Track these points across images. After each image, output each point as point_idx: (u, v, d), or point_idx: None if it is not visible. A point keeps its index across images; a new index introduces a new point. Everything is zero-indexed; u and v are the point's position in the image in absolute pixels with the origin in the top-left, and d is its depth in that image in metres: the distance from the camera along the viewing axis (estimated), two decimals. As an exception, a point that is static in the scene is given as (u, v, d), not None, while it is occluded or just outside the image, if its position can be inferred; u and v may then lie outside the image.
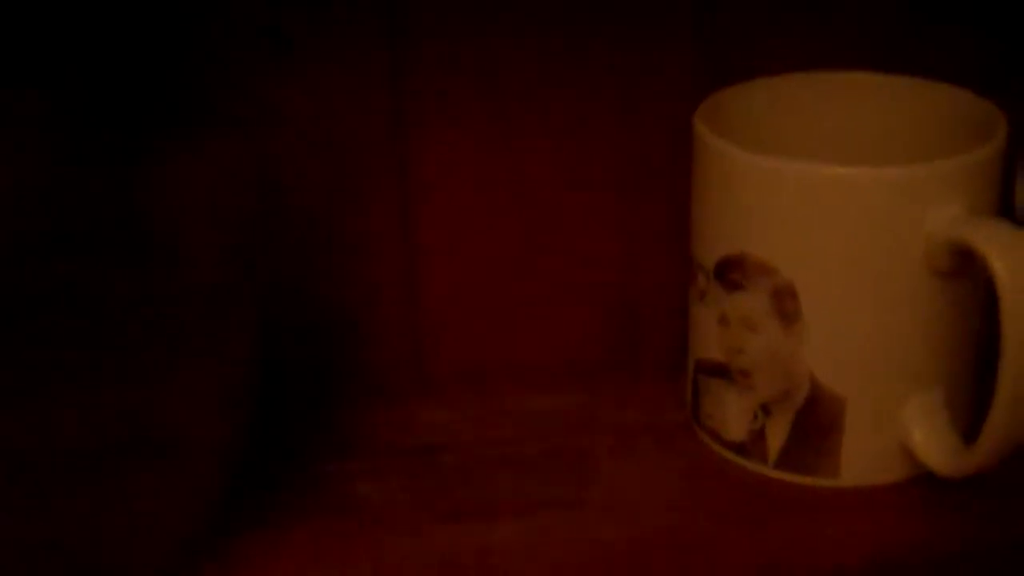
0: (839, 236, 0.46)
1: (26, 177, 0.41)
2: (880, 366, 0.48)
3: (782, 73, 0.53)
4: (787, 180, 0.46)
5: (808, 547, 0.48)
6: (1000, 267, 0.43)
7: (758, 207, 0.47)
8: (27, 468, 0.41)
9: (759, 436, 0.50)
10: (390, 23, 0.52)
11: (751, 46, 0.54)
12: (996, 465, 0.46)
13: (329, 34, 0.51)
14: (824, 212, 0.46)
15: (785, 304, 0.48)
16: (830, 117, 0.53)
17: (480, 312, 0.57)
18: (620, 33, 0.53)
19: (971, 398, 0.50)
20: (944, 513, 0.49)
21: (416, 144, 0.53)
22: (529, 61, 0.53)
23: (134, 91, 0.48)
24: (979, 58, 0.55)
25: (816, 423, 0.49)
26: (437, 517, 0.50)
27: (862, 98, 0.53)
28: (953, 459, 0.48)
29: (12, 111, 0.42)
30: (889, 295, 0.47)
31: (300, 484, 0.51)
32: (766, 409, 0.50)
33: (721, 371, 0.50)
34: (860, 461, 0.49)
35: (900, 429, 0.49)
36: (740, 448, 0.51)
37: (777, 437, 0.50)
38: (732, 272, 0.48)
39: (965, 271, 0.47)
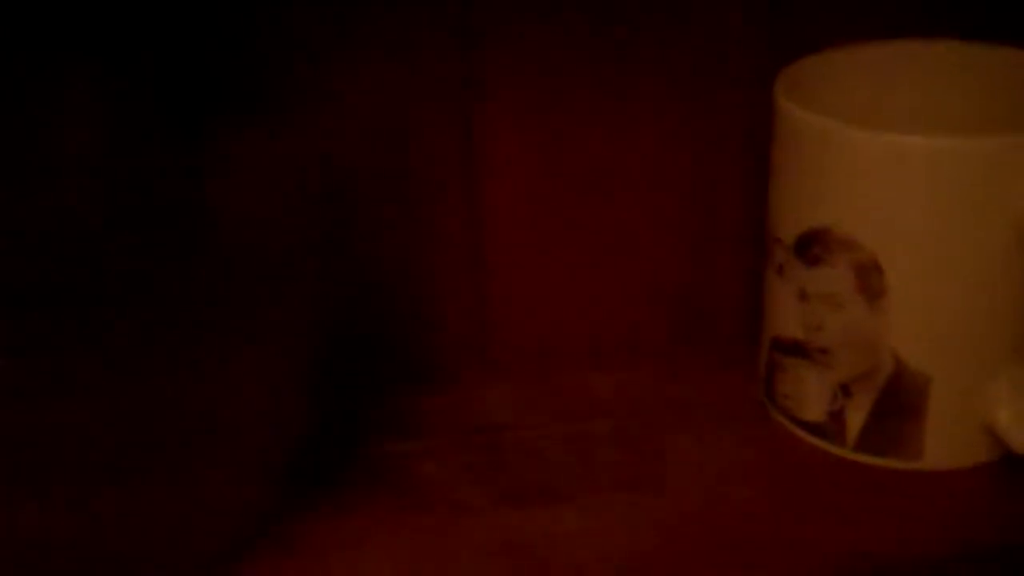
0: (927, 209, 0.45)
1: (91, 153, 0.40)
2: (967, 343, 0.47)
3: (857, 40, 0.51)
4: (874, 151, 0.45)
5: (889, 533, 0.46)
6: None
7: (842, 180, 0.46)
8: (93, 453, 0.41)
9: (838, 417, 0.49)
10: (459, 9, 0.50)
11: (825, 16, 0.53)
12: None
13: (397, 20, 0.50)
14: (912, 185, 0.45)
15: (869, 280, 0.46)
16: (913, 87, 0.52)
17: (545, 292, 0.56)
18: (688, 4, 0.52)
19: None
20: (1029, 497, 0.48)
21: (483, 128, 0.52)
22: (595, 43, 0.52)
23: (202, 71, 0.47)
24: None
25: (899, 403, 0.48)
26: (501, 498, 0.49)
27: (946, 68, 0.51)
28: (1039, 442, 0.47)
29: (75, 82, 0.41)
30: (978, 270, 0.45)
31: (364, 465, 0.50)
32: (846, 389, 0.48)
33: (799, 349, 0.49)
34: (944, 443, 0.48)
35: (986, 409, 0.47)
36: (818, 429, 0.50)
37: (857, 418, 0.48)
38: (813, 247, 0.47)
39: (1058, 245, 0.45)
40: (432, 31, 0.50)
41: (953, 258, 0.45)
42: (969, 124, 0.51)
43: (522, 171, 0.53)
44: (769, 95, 0.49)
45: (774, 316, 0.50)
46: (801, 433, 0.50)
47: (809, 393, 0.49)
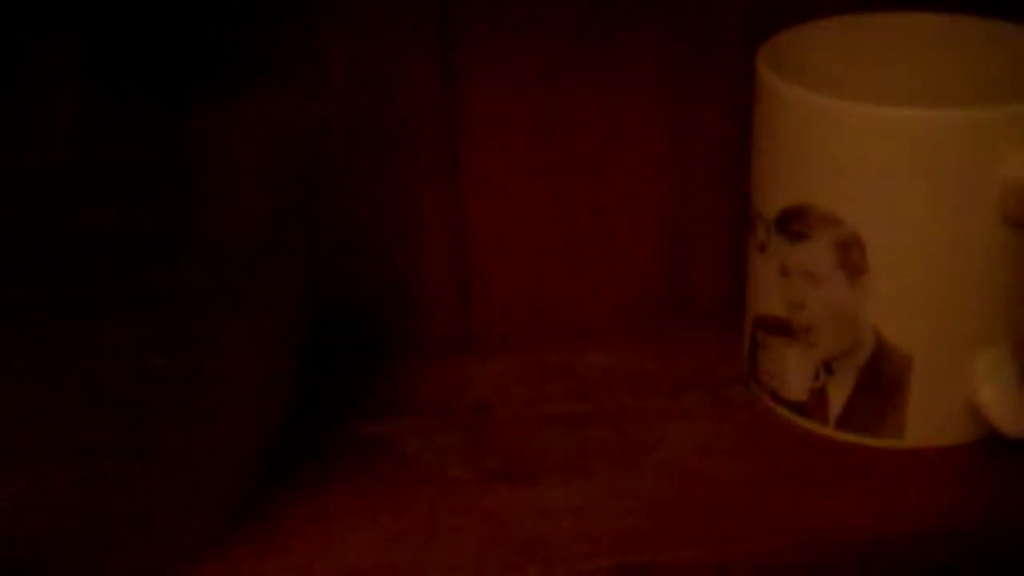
0: (908, 183, 0.45)
1: (69, 126, 0.40)
2: (949, 320, 0.46)
3: (842, 13, 0.51)
4: (854, 123, 0.45)
5: (871, 511, 0.46)
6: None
7: (824, 153, 0.45)
8: (68, 426, 0.41)
9: (820, 395, 0.48)
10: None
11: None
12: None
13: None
14: (893, 158, 0.44)
15: (851, 256, 0.46)
16: (896, 60, 0.51)
17: (529, 269, 0.55)
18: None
19: (1042, 356, 0.49)
20: (1011, 476, 0.47)
21: (465, 99, 0.52)
22: (578, 14, 0.52)
23: (183, 42, 0.47)
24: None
25: (880, 381, 0.47)
26: (487, 476, 0.49)
27: (928, 40, 0.51)
28: (1021, 420, 0.46)
29: (55, 59, 0.41)
30: (960, 246, 0.45)
31: (349, 442, 0.50)
32: (828, 367, 0.48)
33: (781, 327, 0.49)
34: (925, 421, 0.48)
35: (967, 387, 0.47)
36: (800, 407, 0.49)
37: (839, 396, 0.48)
38: (795, 223, 0.47)
39: (1042, 220, 0.45)
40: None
41: (935, 234, 0.45)
42: (953, 97, 0.50)
43: (506, 148, 0.53)
44: (752, 68, 0.48)
45: (757, 293, 0.50)
46: (784, 411, 0.50)
47: (791, 371, 0.49)
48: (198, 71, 0.44)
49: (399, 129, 0.52)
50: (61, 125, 0.40)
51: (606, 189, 0.54)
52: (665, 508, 0.47)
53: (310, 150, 0.51)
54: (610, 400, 0.52)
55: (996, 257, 0.45)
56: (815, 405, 0.49)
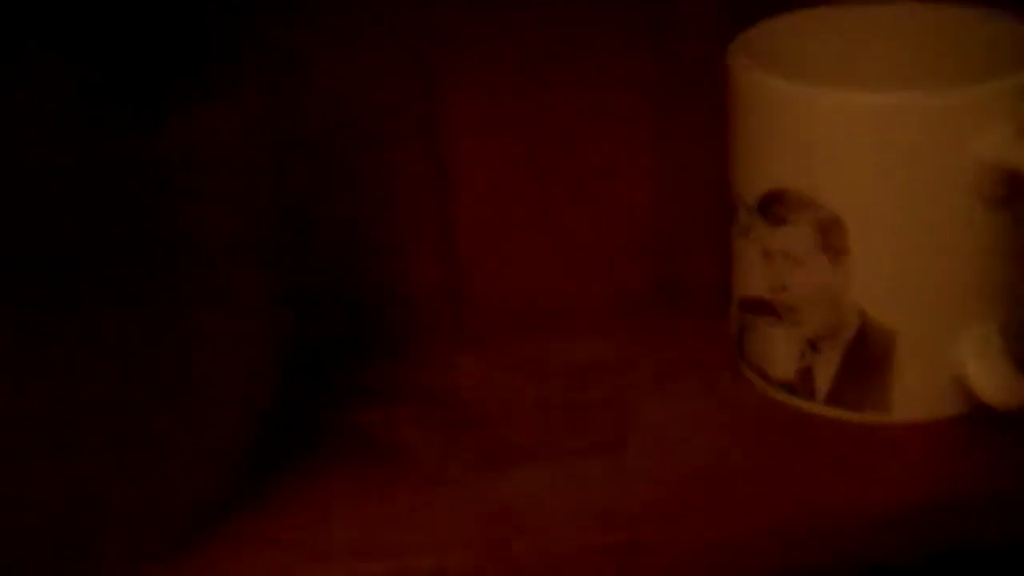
0: (885, 165, 0.45)
1: (46, 124, 0.41)
2: (931, 297, 0.47)
3: (816, 6, 0.51)
4: (829, 108, 0.45)
5: (860, 485, 0.47)
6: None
7: (800, 139, 0.46)
8: (56, 426, 0.41)
9: (807, 374, 0.49)
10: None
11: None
12: (1052, 397, 0.45)
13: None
14: (868, 141, 0.45)
15: (832, 237, 0.46)
16: (868, 49, 0.52)
17: (516, 258, 0.56)
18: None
19: (1025, 328, 0.49)
20: (999, 448, 0.48)
21: (447, 90, 0.53)
22: (558, 6, 0.52)
23: (164, 42, 0.47)
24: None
25: (866, 358, 0.48)
26: (477, 464, 0.49)
27: (900, 28, 0.51)
28: (1008, 391, 0.47)
29: (32, 58, 0.41)
30: (938, 224, 0.46)
31: (339, 432, 0.51)
32: (814, 346, 0.49)
33: (766, 308, 0.49)
34: (911, 396, 0.48)
35: (953, 362, 0.48)
36: (788, 386, 0.50)
37: (826, 374, 0.49)
38: (775, 207, 0.47)
39: (1016, 197, 0.46)
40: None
41: (913, 213, 0.46)
42: (924, 82, 0.51)
43: (490, 142, 0.54)
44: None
45: (741, 276, 0.51)
46: (772, 390, 0.51)
47: (778, 351, 0.50)
48: (179, 71, 0.45)
49: (382, 123, 0.53)
50: (41, 126, 0.41)
51: (591, 179, 0.55)
52: (654, 487, 0.47)
53: (294, 150, 0.51)
54: (599, 385, 0.52)
55: (974, 234, 0.46)
56: (802, 383, 0.50)
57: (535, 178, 0.55)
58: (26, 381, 0.40)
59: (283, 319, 0.47)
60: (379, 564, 0.45)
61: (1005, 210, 0.46)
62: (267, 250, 0.45)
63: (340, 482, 0.48)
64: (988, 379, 0.47)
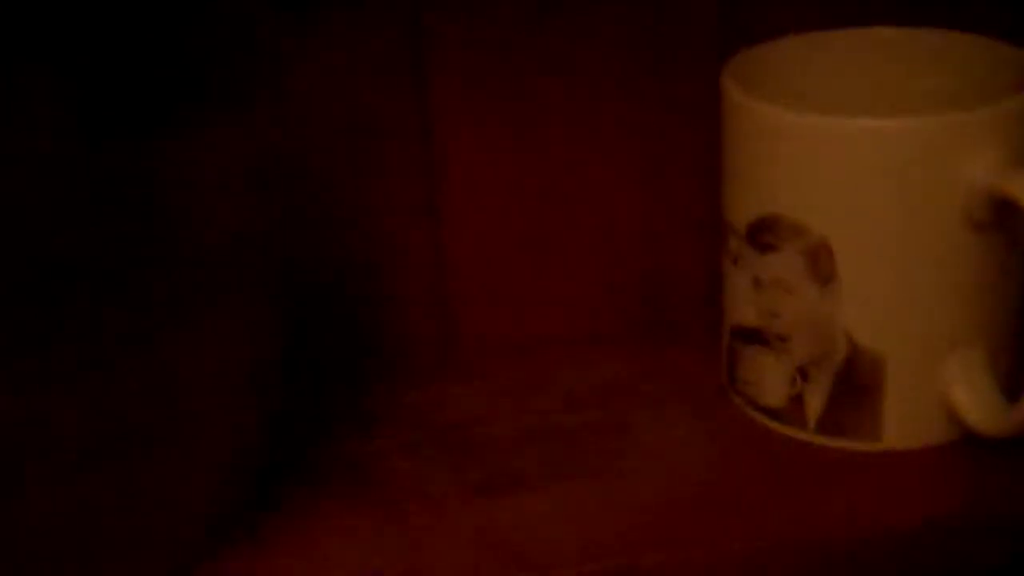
0: (874, 191, 0.45)
1: (46, 149, 0.41)
2: (919, 323, 0.47)
3: (808, 31, 0.52)
4: (818, 135, 0.45)
5: (850, 513, 0.47)
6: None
7: (789, 165, 0.46)
8: (46, 448, 0.41)
9: (797, 401, 0.49)
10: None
11: (775, 3, 0.53)
12: (1041, 424, 0.45)
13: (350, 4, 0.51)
14: (858, 167, 0.45)
15: (820, 264, 0.47)
16: (860, 74, 0.52)
17: (507, 285, 0.56)
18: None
19: (1013, 355, 0.49)
20: (987, 475, 0.48)
21: (439, 116, 0.53)
22: (549, 26, 0.52)
23: (153, 63, 0.47)
24: (1008, 8, 0.54)
25: (855, 385, 0.48)
26: (470, 491, 0.49)
27: (892, 54, 0.52)
28: (996, 418, 0.47)
29: (27, 84, 0.41)
30: (927, 250, 0.46)
31: (332, 460, 0.51)
32: (804, 373, 0.49)
33: (757, 336, 0.49)
34: (901, 423, 0.49)
35: (941, 388, 0.48)
36: (778, 414, 0.50)
37: (816, 401, 0.49)
38: (764, 234, 0.48)
39: (1005, 222, 0.46)
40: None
41: (901, 239, 0.46)
42: (913, 107, 0.51)
43: (480, 161, 0.54)
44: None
45: (732, 304, 0.51)
46: (762, 418, 0.51)
47: (768, 379, 0.50)
48: (175, 93, 0.45)
49: (375, 148, 0.53)
50: (34, 147, 0.41)
51: (581, 203, 0.55)
52: (647, 514, 0.47)
53: (283, 171, 0.51)
54: (590, 412, 0.53)
55: (963, 259, 0.46)
56: (793, 411, 0.50)
57: (526, 206, 0.55)
58: (9, 395, 0.40)
59: (279, 342, 0.47)
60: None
61: (994, 235, 0.46)
62: (259, 275, 0.45)
63: (334, 512, 0.48)
64: (975, 406, 0.48)
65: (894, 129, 0.45)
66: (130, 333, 0.41)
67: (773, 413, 0.50)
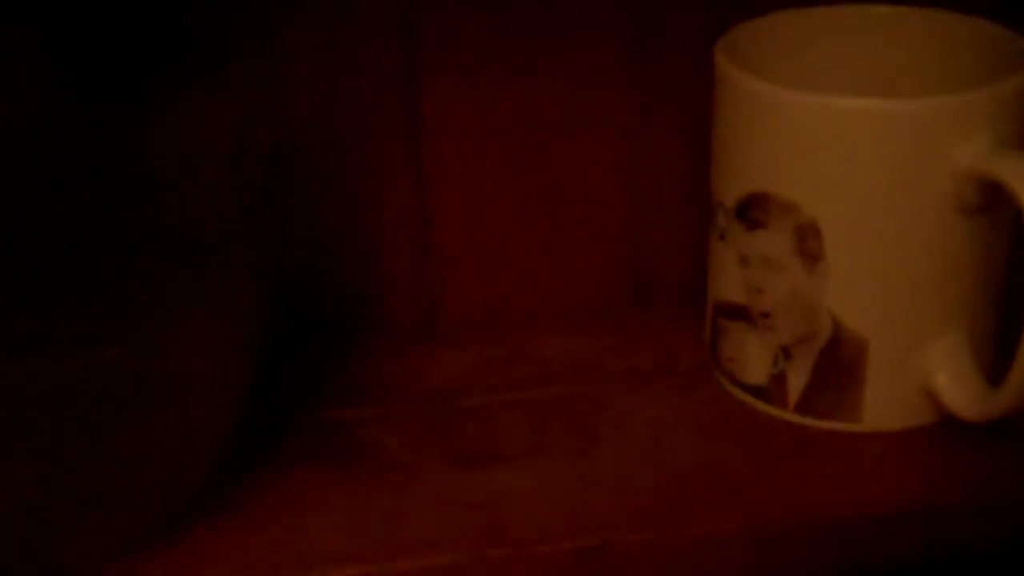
0: (864, 171, 0.45)
1: (27, 115, 0.40)
2: (904, 306, 0.47)
3: (802, 6, 0.52)
4: (810, 113, 0.45)
5: (829, 493, 0.47)
6: (1029, 201, 0.42)
7: (781, 143, 0.46)
8: (30, 414, 0.41)
9: (780, 380, 0.49)
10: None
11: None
12: (1022, 409, 0.45)
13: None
14: (848, 147, 0.45)
15: (808, 243, 0.46)
16: (852, 52, 0.52)
17: (491, 257, 0.56)
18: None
19: (997, 340, 0.49)
20: (968, 459, 0.48)
21: (426, 88, 0.52)
22: (535, 11, 0.52)
23: (142, 30, 0.47)
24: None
25: (838, 366, 0.48)
26: (451, 463, 0.49)
27: (885, 31, 0.52)
28: (978, 402, 0.47)
29: (13, 48, 0.41)
30: (914, 232, 0.46)
31: (314, 430, 0.51)
32: (787, 352, 0.49)
33: (741, 313, 0.49)
34: (883, 405, 0.49)
35: (924, 372, 0.48)
36: (760, 392, 0.50)
37: (798, 380, 0.49)
38: (753, 210, 0.47)
39: (993, 207, 0.46)
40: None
41: (889, 220, 0.46)
42: (905, 87, 0.51)
43: (467, 141, 0.53)
44: (711, 59, 0.49)
45: (717, 280, 0.51)
46: (744, 396, 0.51)
47: (751, 356, 0.50)
48: (159, 62, 0.45)
49: (361, 120, 0.52)
50: (20, 115, 0.40)
51: (567, 180, 0.55)
52: (625, 491, 0.47)
53: (269, 139, 0.51)
54: (572, 386, 0.53)
55: (950, 244, 0.46)
56: (775, 390, 0.50)
57: (511, 178, 0.54)
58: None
59: (260, 314, 0.46)
60: (354, 568, 0.45)
61: (981, 219, 0.46)
62: (247, 246, 0.45)
63: (313, 480, 0.48)
64: (957, 390, 0.48)
65: (884, 110, 0.45)
66: (110, 301, 0.41)
67: (755, 391, 0.50)
